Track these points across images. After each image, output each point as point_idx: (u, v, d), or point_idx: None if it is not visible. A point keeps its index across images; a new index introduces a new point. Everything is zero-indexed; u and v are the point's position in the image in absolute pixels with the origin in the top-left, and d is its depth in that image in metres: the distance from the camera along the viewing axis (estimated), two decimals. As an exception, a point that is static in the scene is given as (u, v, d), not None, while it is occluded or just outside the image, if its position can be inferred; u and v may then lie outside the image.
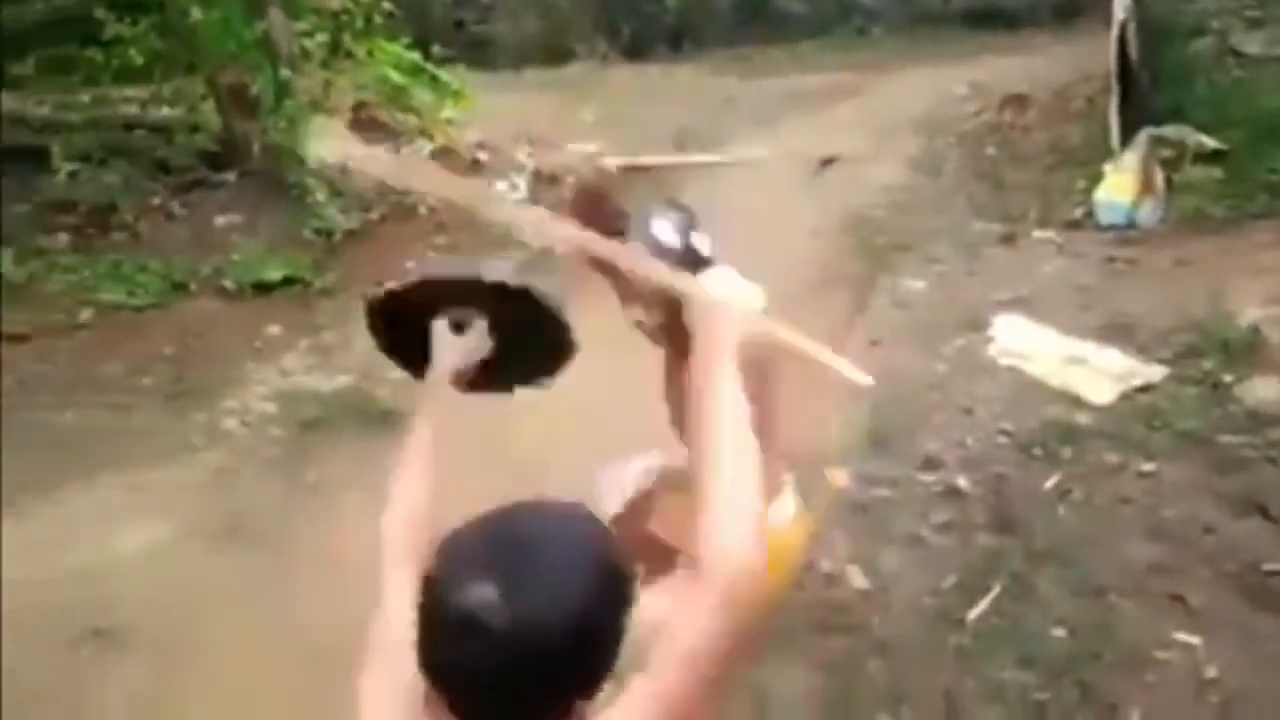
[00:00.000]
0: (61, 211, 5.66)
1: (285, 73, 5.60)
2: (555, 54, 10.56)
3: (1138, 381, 3.68)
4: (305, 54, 6.02)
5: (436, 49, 7.17)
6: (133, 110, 6.41)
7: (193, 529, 3.50)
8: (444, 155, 6.85)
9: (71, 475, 3.75)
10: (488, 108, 7.51)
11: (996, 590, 2.82)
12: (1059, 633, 2.66)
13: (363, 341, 4.85)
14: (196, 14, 5.42)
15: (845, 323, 4.29)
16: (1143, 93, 5.55)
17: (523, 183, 6.87)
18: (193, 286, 5.23)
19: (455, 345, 1.59)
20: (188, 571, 3.26)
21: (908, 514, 3.22)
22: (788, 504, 2.03)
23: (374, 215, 5.94)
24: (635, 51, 11.14)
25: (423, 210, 6.23)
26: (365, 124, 6.93)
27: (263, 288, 5.25)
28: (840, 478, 3.06)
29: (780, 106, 8.30)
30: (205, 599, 3.12)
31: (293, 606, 3.07)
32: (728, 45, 11.29)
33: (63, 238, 5.51)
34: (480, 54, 9.40)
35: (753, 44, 11.28)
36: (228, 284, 5.26)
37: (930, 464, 3.44)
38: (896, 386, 3.78)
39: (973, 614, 2.76)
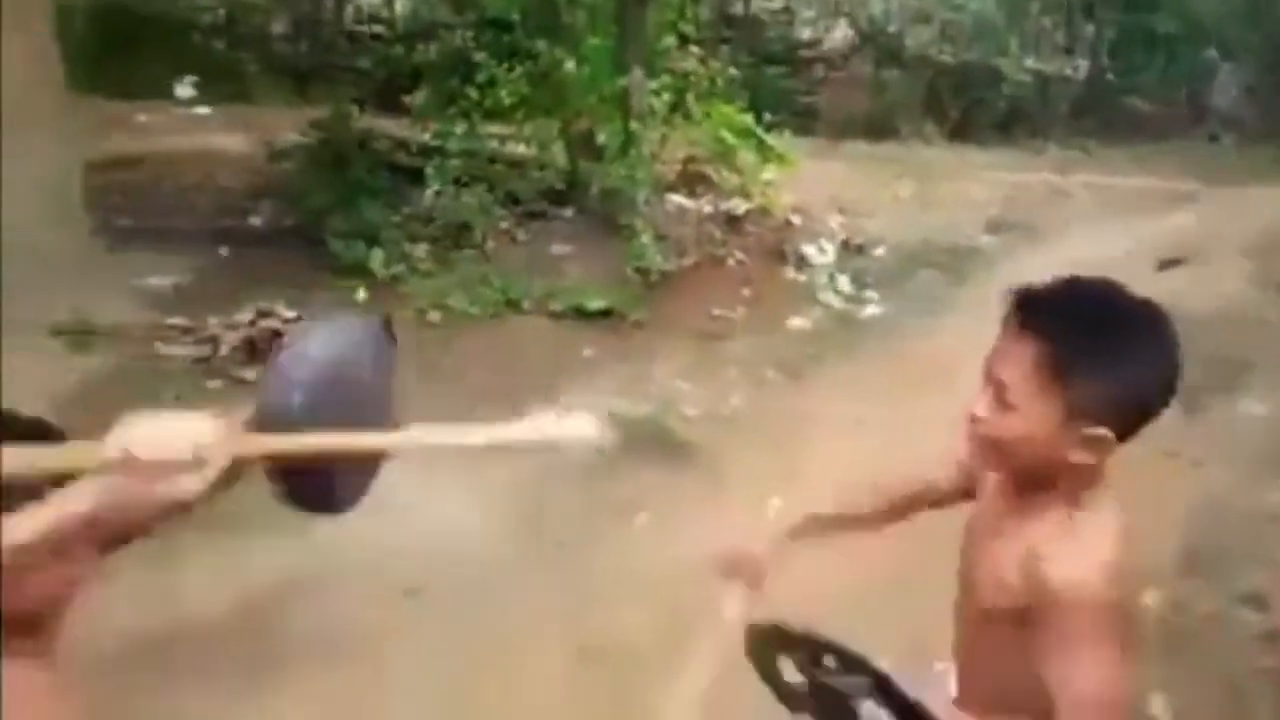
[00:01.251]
0: (425, 224, 6.44)
1: (635, 125, 6.11)
2: (878, 130, 10.68)
3: None
4: (651, 110, 6.53)
5: (767, 115, 7.50)
6: (494, 145, 7.19)
7: (501, 518, 3.88)
8: (759, 215, 7.15)
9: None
10: (806, 173, 7.76)
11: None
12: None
13: (666, 372, 5.21)
14: (569, 67, 6.05)
15: (1170, 434, 4.04)
16: None
17: (831, 249, 7.02)
18: (525, 305, 5.78)
19: None
20: (491, 554, 3.62)
21: (1222, 651, 2.99)
22: None
23: (688, 261, 6.30)
24: (961, 134, 11.04)
25: (731, 262, 6.54)
26: (691, 178, 7.39)
27: (584, 314, 5.72)
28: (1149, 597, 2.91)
29: (1114, 205, 7.93)
30: (504, 579, 3.47)
31: (579, 605, 3.34)
32: (1061, 139, 10.93)
33: (423, 247, 6.25)
34: (805, 122, 9.71)
35: (1088, 138, 10.84)
36: (555, 306, 5.76)
37: (1254, 601, 3.18)
38: (1220, 514, 3.53)
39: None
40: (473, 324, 5.60)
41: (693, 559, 3.46)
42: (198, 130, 8.62)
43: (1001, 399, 1.24)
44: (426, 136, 7.15)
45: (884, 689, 1.28)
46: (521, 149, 7.26)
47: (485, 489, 4.03)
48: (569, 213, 6.71)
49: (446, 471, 4.11)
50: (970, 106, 11.43)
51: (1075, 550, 1.21)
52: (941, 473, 1.51)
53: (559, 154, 6.97)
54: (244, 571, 3.38)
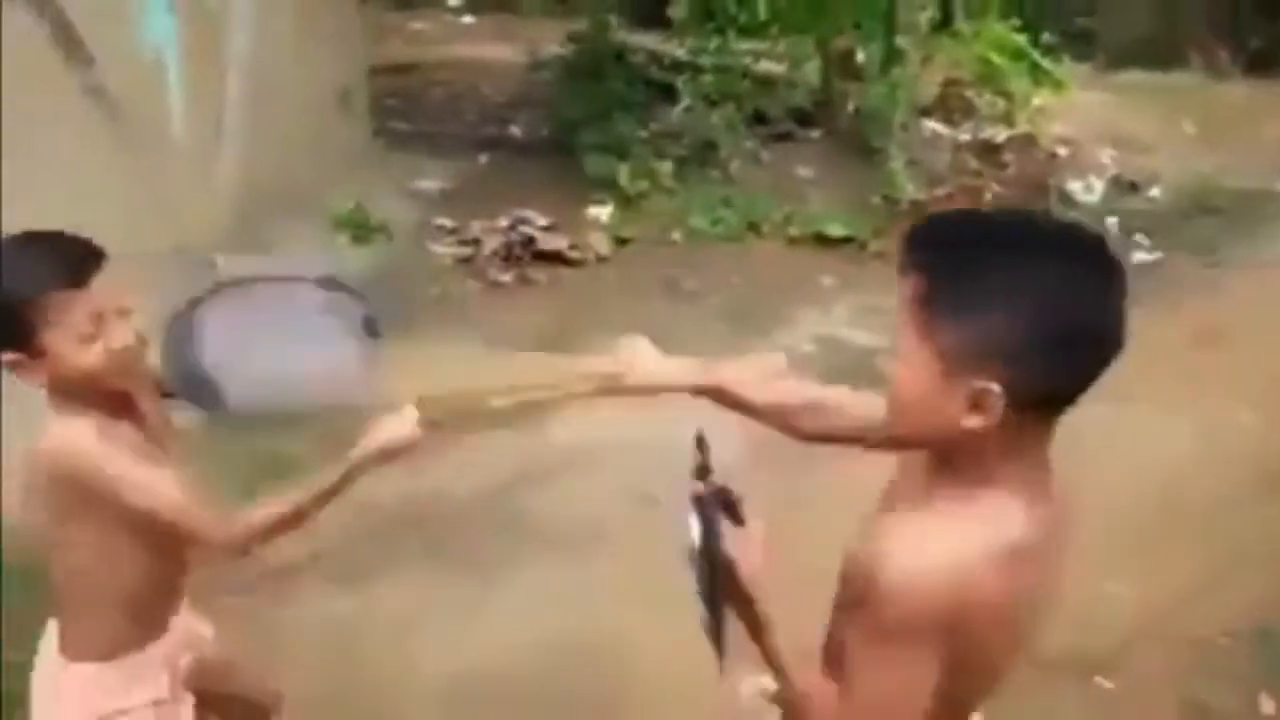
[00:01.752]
0: (673, 141, 6.49)
1: (900, 42, 5.84)
2: (1163, 59, 9.64)
3: None
4: (914, 26, 6.22)
5: (1046, 36, 6.95)
6: (747, 61, 7.10)
7: (726, 433, 3.95)
8: (1021, 144, 6.71)
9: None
10: (1077, 102, 7.18)
11: None
12: None
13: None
14: (834, -22, 5.82)
15: None
16: None
17: (1099, 185, 6.50)
18: (764, 228, 5.75)
19: None
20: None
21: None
22: None
23: (940, 191, 6.04)
24: (1263, 66, 9.79)
25: (988, 194, 6.19)
26: (950, 102, 7.01)
27: (824, 240, 5.63)
28: None
29: None
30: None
31: (803, 515, 3.37)
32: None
33: (668, 165, 6.31)
34: (1080, 46, 8.92)
35: None
36: (794, 231, 5.70)
37: None
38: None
39: None
40: (712, 245, 5.64)
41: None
42: (465, 39, 9.05)
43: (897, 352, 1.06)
44: (681, 52, 7.15)
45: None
46: (771, 66, 7.13)
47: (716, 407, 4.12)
48: (816, 135, 6.56)
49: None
50: (1275, 36, 10.08)
51: (916, 543, 1.03)
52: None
53: (811, 72, 6.79)
54: (486, 464, 3.64)
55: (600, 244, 5.42)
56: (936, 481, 1.10)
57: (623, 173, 6.07)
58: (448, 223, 5.51)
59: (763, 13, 6.78)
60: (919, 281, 1.04)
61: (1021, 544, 1.04)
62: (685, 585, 1.24)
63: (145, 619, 1.66)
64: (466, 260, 5.16)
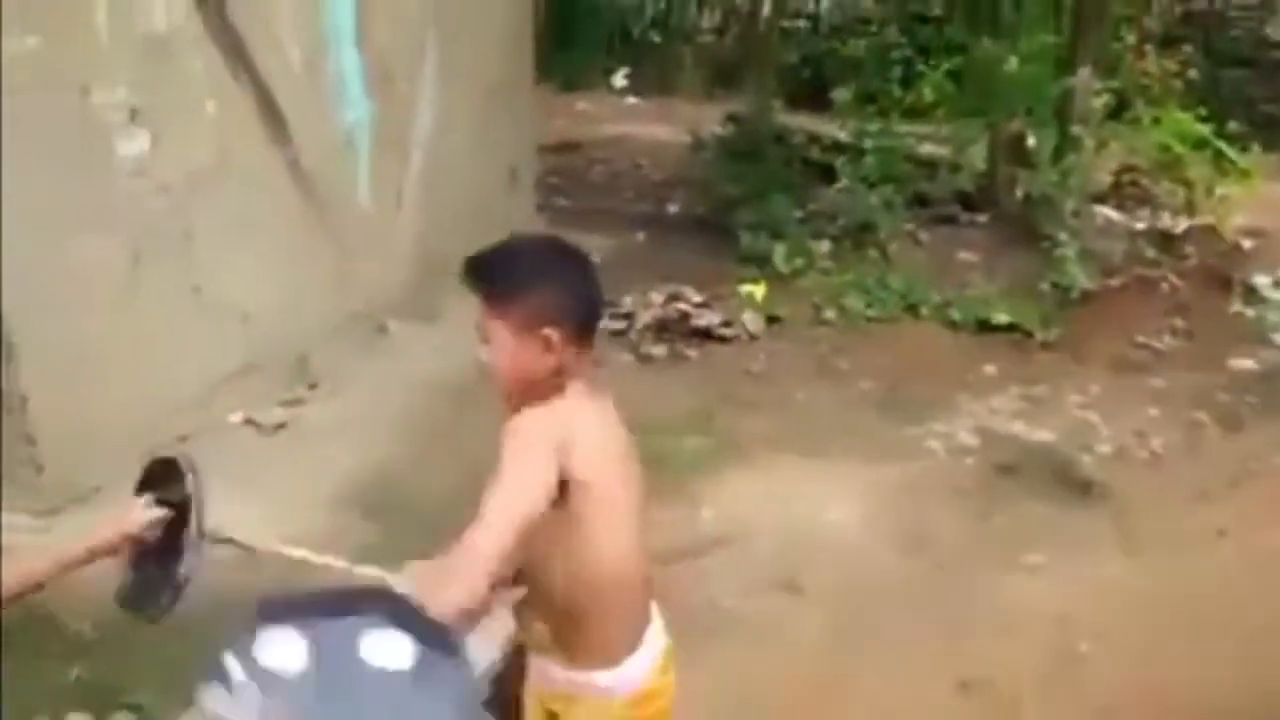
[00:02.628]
0: (829, 221, 6.47)
1: (1075, 129, 5.68)
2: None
3: None
4: (1089, 113, 6.03)
5: (1231, 124, 6.61)
6: (908, 143, 7.04)
7: (877, 525, 3.83)
8: (1203, 235, 6.36)
9: (785, 448, 4.32)
10: (1266, 193, 6.76)
11: None
12: None
13: (1075, 401, 4.82)
14: (1012, 65, 5.72)
15: None
16: None
17: (1288, 285, 6.07)
18: (923, 311, 5.62)
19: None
20: (872, 565, 3.59)
21: None
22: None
23: (1113, 281, 5.77)
24: None
25: (1164, 286, 5.88)
26: (1124, 189, 6.74)
27: (986, 327, 5.45)
28: None
29: None
30: (879, 585, 3.43)
31: (958, 632, 3.21)
32: None
33: (825, 245, 6.29)
34: (1270, 134, 8.45)
35: None
36: (955, 315, 5.55)
37: None
38: None
39: None
40: (868, 326, 5.55)
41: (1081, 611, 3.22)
42: (628, 119, 9.35)
43: (484, 340, 1.61)
44: (842, 134, 7.16)
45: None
46: (934, 149, 7.04)
47: (868, 496, 4.01)
48: (981, 219, 6.40)
49: (828, 473, 4.16)
50: None
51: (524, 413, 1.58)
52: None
53: (976, 156, 6.66)
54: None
55: (753, 322, 5.41)
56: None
57: (778, 251, 6.08)
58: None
59: (929, 96, 6.74)
60: (481, 293, 1.61)
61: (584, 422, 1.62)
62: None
63: None
64: (620, 334, 5.24)
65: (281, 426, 4.14)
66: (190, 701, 1.06)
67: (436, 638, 1.09)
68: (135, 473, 1.81)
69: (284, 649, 1.02)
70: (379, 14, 4.77)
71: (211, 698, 1.01)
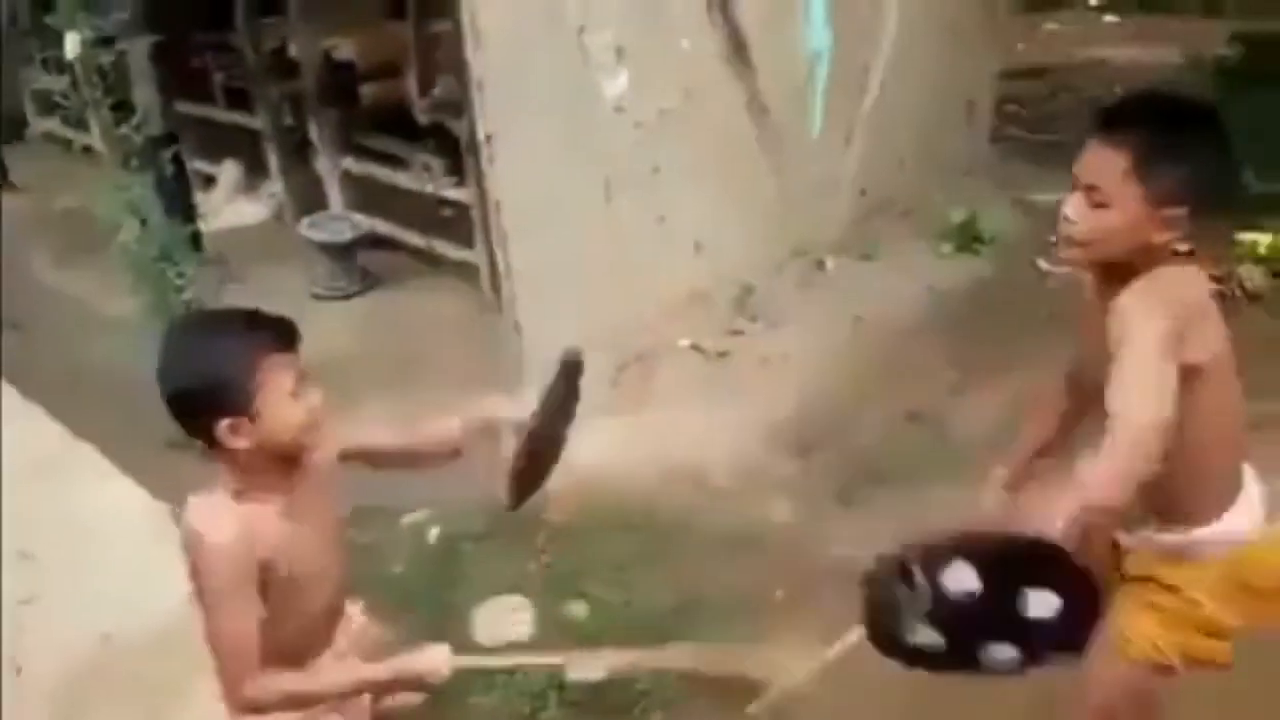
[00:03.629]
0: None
1: None
2: None
3: None
4: None
5: None
6: None
7: None
8: None
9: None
10: None
11: None
12: None
13: None
14: None
15: None
16: None
17: None
18: None
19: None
20: None
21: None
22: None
23: None
24: None
25: None
26: None
27: None
28: None
29: None
30: None
31: None
32: None
33: None
34: None
35: None
36: None
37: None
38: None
39: None
40: None
41: None
42: (1105, 40, 8.35)
43: (1094, 200, 1.59)
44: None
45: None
46: None
47: None
48: None
49: None
50: None
51: (1137, 287, 1.59)
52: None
53: None
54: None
55: (1255, 277, 4.64)
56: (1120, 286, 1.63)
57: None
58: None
59: None
60: (1126, 150, 1.57)
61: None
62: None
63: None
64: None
65: (724, 355, 4.32)
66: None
67: (1080, 596, 1.34)
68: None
69: (960, 574, 1.30)
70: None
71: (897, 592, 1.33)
